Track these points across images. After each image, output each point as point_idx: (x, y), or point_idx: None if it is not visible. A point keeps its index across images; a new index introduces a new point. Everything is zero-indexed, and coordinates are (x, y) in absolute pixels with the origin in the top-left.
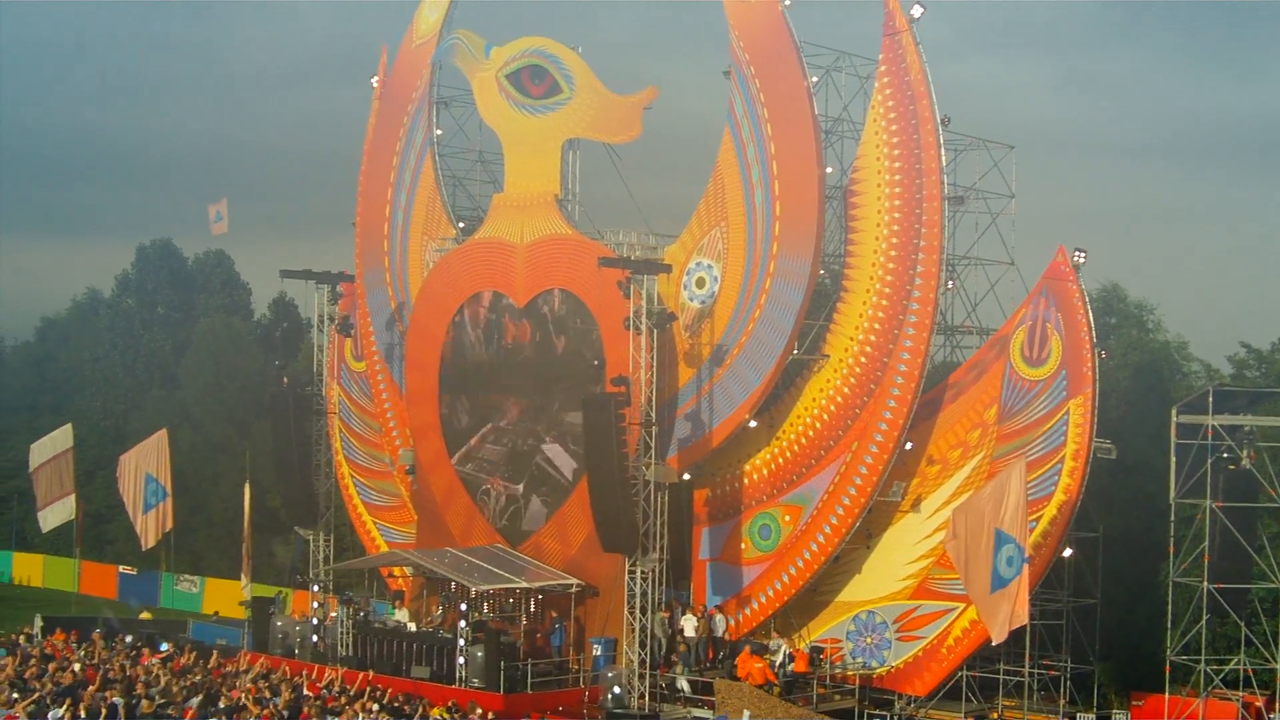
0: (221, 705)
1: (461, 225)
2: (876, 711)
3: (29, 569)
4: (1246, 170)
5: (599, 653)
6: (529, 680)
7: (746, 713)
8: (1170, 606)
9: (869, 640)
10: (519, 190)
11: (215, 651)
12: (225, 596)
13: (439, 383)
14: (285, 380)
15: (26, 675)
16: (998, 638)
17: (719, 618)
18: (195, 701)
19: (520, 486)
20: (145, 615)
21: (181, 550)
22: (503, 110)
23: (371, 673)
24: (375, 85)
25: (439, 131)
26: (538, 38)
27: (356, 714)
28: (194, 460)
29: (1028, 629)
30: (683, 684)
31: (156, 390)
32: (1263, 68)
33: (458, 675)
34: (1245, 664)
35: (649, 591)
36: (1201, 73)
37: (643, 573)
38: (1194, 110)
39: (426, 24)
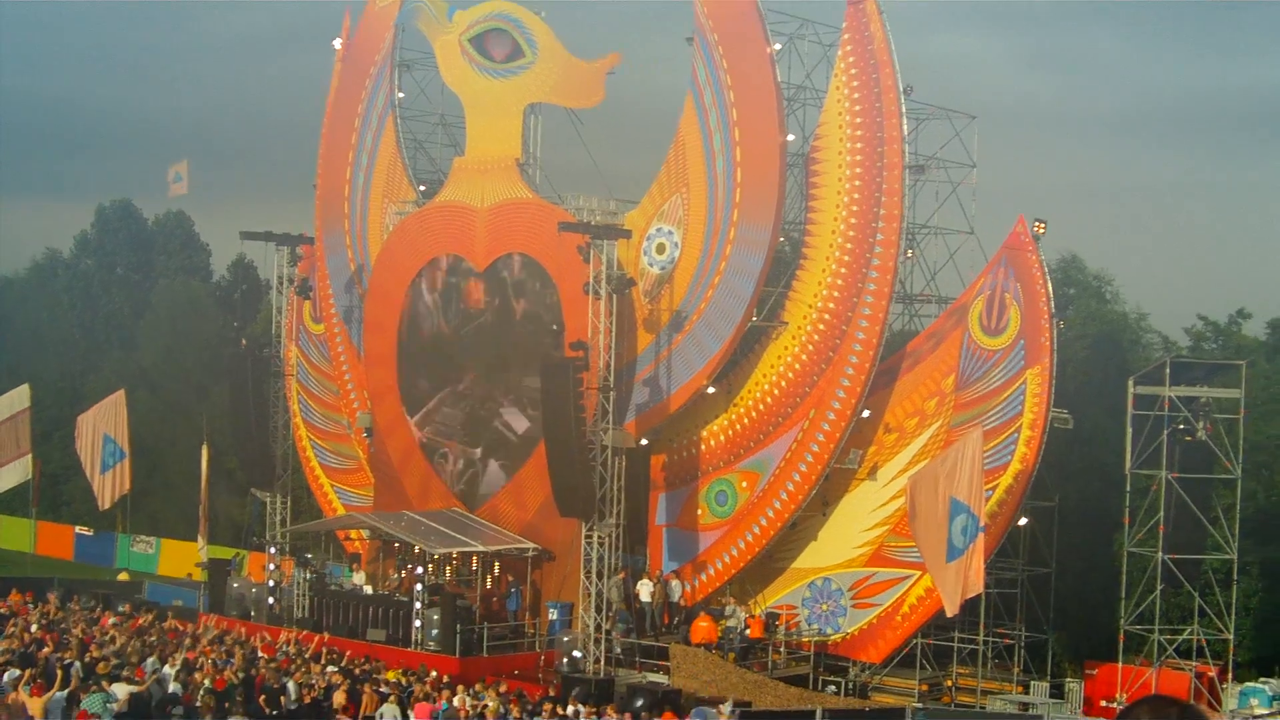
0: (169, 668)
1: (422, 188)
2: (831, 678)
3: None
4: (1207, 145)
5: (555, 617)
6: (485, 644)
7: (731, 698)
8: (1124, 576)
9: (824, 607)
10: (480, 154)
11: (170, 613)
12: (182, 558)
13: (397, 347)
14: (244, 342)
15: None
16: (952, 609)
17: (675, 583)
18: (150, 662)
19: (478, 450)
20: (123, 576)
21: (138, 512)
22: (465, 74)
23: (327, 635)
24: (338, 47)
25: (401, 94)
26: (501, 1)
27: (311, 675)
28: (151, 422)
29: (982, 598)
30: (613, 629)
31: (115, 351)
32: (1226, 45)
33: (413, 638)
34: (1198, 634)
35: (605, 556)
36: (1165, 49)
37: (599, 537)
38: (1157, 85)
39: None
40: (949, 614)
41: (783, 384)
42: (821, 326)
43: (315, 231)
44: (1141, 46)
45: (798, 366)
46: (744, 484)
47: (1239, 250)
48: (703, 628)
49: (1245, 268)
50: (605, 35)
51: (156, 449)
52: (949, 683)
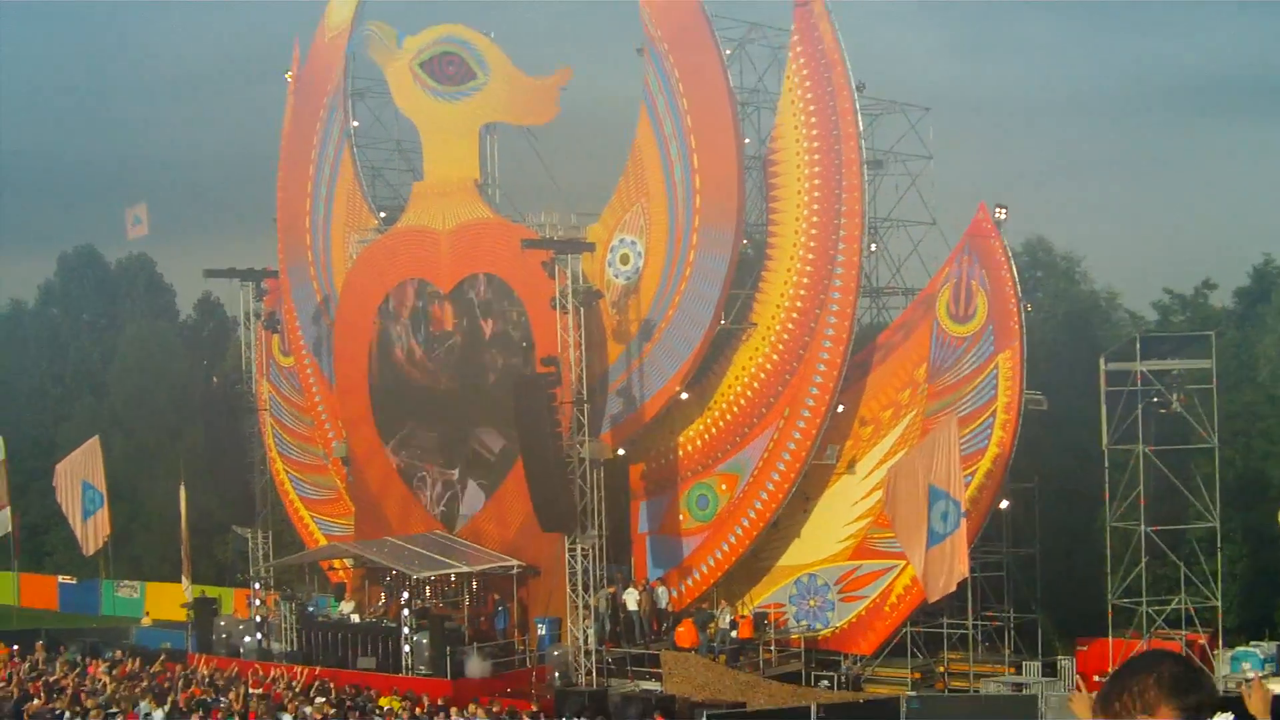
0: (160, 713)
1: (383, 215)
2: (824, 673)
3: None
4: (1156, 120)
5: (544, 632)
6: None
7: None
8: (1109, 551)
9: (812, 603)
10: (438, 177)
11: (161, 655)
12: (167, 600)
13: (368, 374)
14: (215, 380)
15: None
16: (933, 595)
17: (661, 590)
18: (142, 706)
19: (455, 472)
20: (147, 621)
21: (120, 557)
22: (418, 99)
23: (318, 667)
24: (290, 80)
25: (355, 123)
26: (449, 25)
27: (304, 708)
28: (127, 466)
29: (969, 582)
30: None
31: (86, 398)
32: (1167, 20)
33: (404, 664)
34: (1186, 603)
35: (590, 569)
36: (1107, 28)
37: (583, 550)
38: (1099, 64)
39: (338, 16)
40: (929, 600)
41: (755, 385)
42: (790, 325)
43: (279, 265)
44: (1078, 27)
45: (769, 367)
46: (724, 486)
47: (1201, 221)
48: (681, 633)
49: (1208, 238)
50: (555, 51)
51: (135, 492)
52: (941, 669)
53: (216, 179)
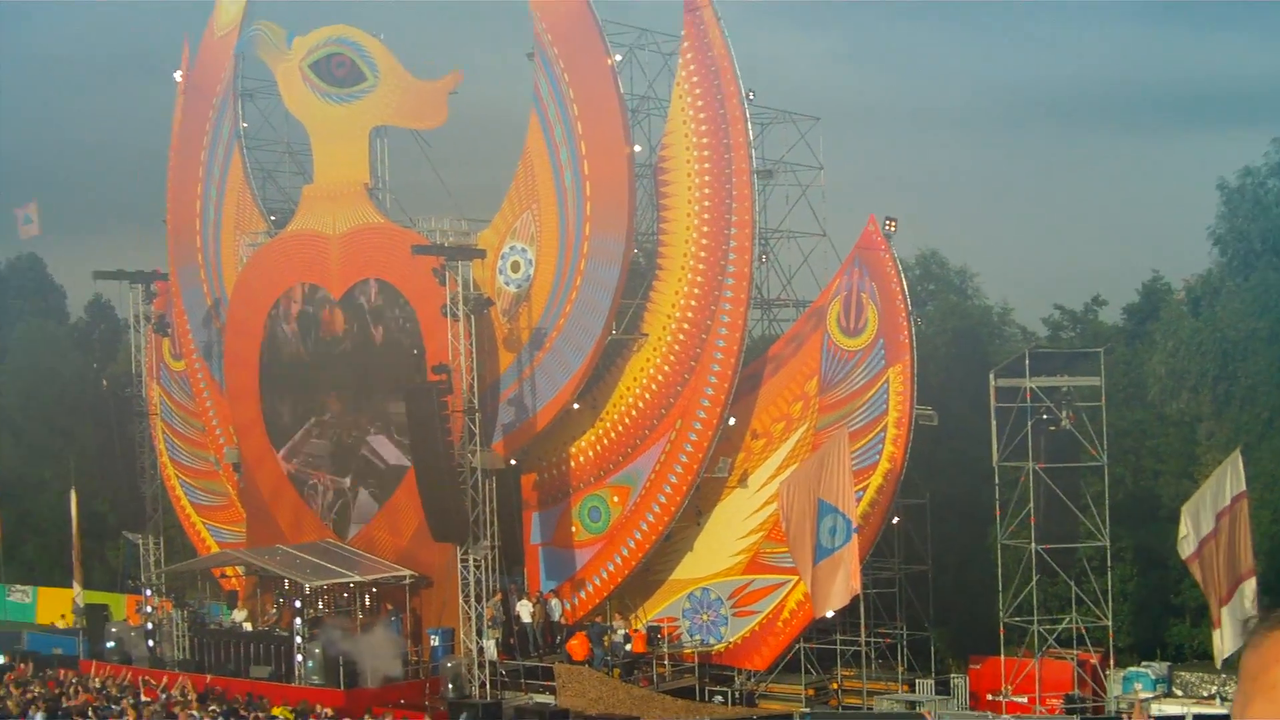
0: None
1: (273, 218)
2: (718, 688)
3: None
4: (1056, 133)
5: (436, 643)
6: (369, 675)
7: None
8: (1000, 569)
9: (705, 617)
10: (329, 180)
11: (53, 661)
12: (60, 605)
13: (259, 379)
14: (105, 383)
15: None
16: (821, 610)
17: (554, 602)
18: (39, 718)
19: (347, 480)
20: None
21: (11, 560)
22: (308, 100)
23: (209, 676)
24: (179, 79)
25: (245, 124)
26: (339, 26)
27: (196, 717)
28: (17, 468)
29: (862, 598)
30: (489, 645)
31: None
32: (1062, 32)
33: (297, 673)
34: (1077, 622)
35: (483, 579)
36: (1002, 38)
37: (475, 560)
38: (997, 75)
39: (227, 15)
40: (817, 615)
41: (647, 396)
42: (682, 336)
43: (169, 267)
44: (971, 37)
45: (660, 378)
46: (616, 498)
47: (1094, 236)
48: (574, 646)
49: (1101, 253)
50: (445, 54)
51: (25, 496)
52: (834, 685)
53: (109, 177)
